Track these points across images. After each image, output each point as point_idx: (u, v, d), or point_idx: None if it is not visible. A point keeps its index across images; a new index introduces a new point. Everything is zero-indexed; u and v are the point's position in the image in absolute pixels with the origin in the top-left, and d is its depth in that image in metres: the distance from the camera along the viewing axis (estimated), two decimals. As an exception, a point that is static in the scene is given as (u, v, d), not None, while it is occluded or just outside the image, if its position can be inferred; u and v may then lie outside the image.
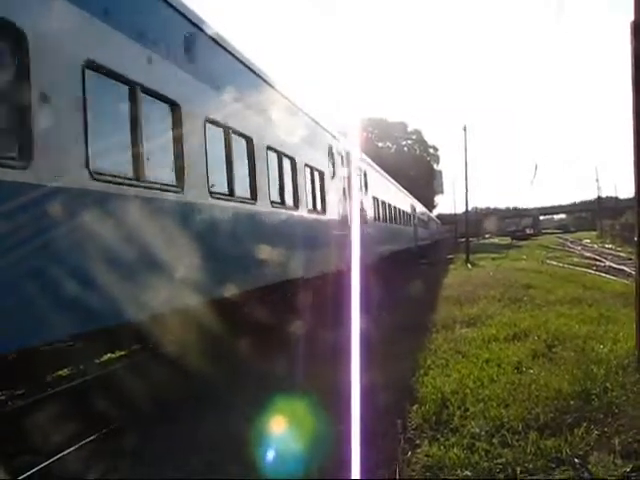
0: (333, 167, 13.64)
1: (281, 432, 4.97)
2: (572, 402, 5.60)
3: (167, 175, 6.15)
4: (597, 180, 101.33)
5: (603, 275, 20.49)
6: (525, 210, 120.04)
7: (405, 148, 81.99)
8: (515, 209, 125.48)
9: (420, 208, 39.94)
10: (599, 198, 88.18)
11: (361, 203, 16.78)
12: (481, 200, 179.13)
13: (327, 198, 12.77)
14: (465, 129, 37.66)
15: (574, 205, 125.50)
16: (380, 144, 75.55)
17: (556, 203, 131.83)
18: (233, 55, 8.00)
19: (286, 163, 10.21)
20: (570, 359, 7.24)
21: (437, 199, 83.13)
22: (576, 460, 4.37)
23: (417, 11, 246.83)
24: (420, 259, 33.90)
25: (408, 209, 31.43)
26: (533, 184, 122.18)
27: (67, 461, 4.58)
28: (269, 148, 9.16)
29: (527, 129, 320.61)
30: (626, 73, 6.87)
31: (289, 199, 10.22)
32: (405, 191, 32.28)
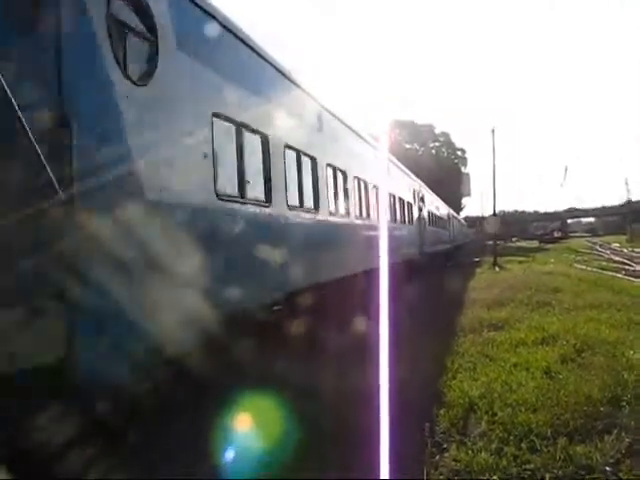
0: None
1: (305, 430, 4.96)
2: (602, 408, 5.54)
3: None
4: (627, 183, 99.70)
5: (632, 279, 20.15)
6: (553, 213, 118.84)
7: (433, 150, 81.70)
8: (545, 213, 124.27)
9: (433, 199, 30.03)
10: (629, 201, 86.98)
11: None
12: (508, 203, 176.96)
13: None
14: (493, 132, 37.26)
15: (603, 209, 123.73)
16: (408, 146, 75.41)
17: (584, 206, 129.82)
18: None
19: None
20: (600, 364, 7.15)
21: (464, 201, 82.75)
22: (607, 468, 4.31)
23: (446, 11, 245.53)
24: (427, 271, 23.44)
25: (409, 197, 21.35)
26: (563, 186, 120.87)
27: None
28: None
29: (555, 131, 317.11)
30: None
31: None
32: (408, 172, 22.58)
